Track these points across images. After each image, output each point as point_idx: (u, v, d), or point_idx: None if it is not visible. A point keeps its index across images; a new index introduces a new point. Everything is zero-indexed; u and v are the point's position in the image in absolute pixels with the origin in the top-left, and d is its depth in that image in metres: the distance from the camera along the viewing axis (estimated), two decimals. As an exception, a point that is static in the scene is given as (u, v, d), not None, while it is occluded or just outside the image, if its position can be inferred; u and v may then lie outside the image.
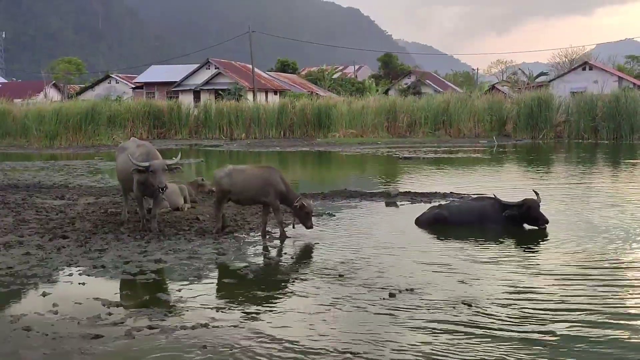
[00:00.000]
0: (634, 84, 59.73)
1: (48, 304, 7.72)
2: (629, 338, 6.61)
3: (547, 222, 12.15)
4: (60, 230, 11.96)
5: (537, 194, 12.58)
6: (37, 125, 42.27)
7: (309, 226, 11.60)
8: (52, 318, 7.26)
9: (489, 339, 6.54)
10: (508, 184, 18.73)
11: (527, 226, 12.33)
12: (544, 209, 12.36)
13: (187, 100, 56.75)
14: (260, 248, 10.89)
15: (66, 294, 8.18)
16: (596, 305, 7.60)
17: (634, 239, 11.11)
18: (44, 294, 8.21)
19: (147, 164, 11.32)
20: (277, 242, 11.36)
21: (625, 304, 7.77)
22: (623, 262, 9.67)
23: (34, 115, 43.08)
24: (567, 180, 20.08)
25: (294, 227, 11.82)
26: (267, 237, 11.64)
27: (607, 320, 7.08)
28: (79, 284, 8.70)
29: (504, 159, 29.74)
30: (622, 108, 40.73)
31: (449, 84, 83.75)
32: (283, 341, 6.55)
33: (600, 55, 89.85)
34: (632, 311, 7.51)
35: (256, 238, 11.61)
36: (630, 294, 8.22)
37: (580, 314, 7.28)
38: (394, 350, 6.32)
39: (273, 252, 10.70)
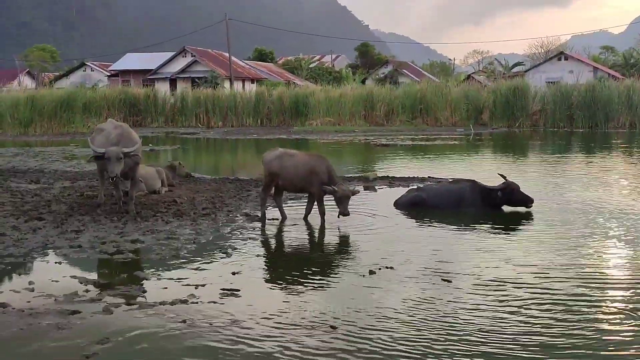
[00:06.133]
0: (609, 74, 60.22)
1: (24, 282, 7.61)
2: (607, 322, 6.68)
3: (532, 201, 12.24)
4: (36, 212, 11.78)
5: (503, 177, 12.59)
6: (11, 112, 41.66)
7: (341, 211, 10.97)
8: (29, 295, 7.17)
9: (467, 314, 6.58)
10: (485, 169, 18.80)
11: (506, 208, 12.39)
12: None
13: (163, 88, 56.18)
14: (238, 229, 10.82)
15: (42, 273, 8.09)
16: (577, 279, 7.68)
17: (614, 217, 11.25)
18: (20, 273, 8.12)
19: (103, 150, 11.20)
20: (255, 223, 11.30)
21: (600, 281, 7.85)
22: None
23: (8, 102, 42.43)
24: (543, 165, 20.23)
25: (339, 217, 11.12)
26: (245, 218, 11.58)
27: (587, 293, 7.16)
28: (56, 263, 8.61)
29: (481, 146, 29.88)
30: (597, 97, 41.01)
31: (426, 73, 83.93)
32: (261, 315, 6.53)
33: (575, 46, 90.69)
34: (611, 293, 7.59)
35: (234, 219, 11.55)
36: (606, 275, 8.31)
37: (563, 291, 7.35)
38: (368, 325, 6.32)
39: (252, 233, 10.63)
